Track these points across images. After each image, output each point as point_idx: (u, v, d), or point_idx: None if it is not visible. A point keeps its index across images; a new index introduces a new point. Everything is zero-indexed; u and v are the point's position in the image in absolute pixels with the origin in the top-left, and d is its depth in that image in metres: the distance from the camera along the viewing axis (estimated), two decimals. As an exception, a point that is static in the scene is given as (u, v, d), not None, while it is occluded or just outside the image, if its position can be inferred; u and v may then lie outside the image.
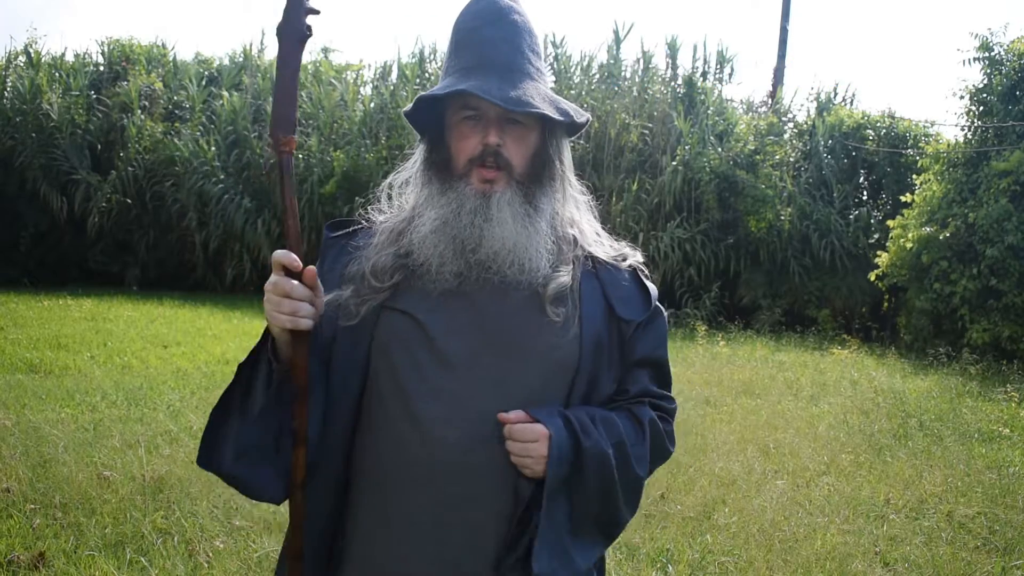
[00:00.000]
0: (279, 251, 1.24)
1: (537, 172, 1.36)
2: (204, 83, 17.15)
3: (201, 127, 15.98)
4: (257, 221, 15.03)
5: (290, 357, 1.25)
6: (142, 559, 3.41)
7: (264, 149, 15.40)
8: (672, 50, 15.64)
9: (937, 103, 39.59)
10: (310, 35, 1.25)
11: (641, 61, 15.84)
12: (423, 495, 1.30)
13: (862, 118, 14.12)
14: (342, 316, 1.34)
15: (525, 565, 1.26)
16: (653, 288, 1.45)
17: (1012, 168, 10.13)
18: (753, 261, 13.66)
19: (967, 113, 11.24)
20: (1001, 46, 10.86)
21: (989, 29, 11.11)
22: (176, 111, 16.72)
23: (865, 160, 13.99)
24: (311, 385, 1.28)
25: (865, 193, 14.51)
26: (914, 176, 12.24)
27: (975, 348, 10.18)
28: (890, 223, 11.85)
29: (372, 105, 15.99)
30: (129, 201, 15.61)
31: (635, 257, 1.47)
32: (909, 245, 10.89)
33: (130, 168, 15.52)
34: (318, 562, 1.35)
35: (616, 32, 15.71)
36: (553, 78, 15.63)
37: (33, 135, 15.50)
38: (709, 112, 14.63)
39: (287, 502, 1.32)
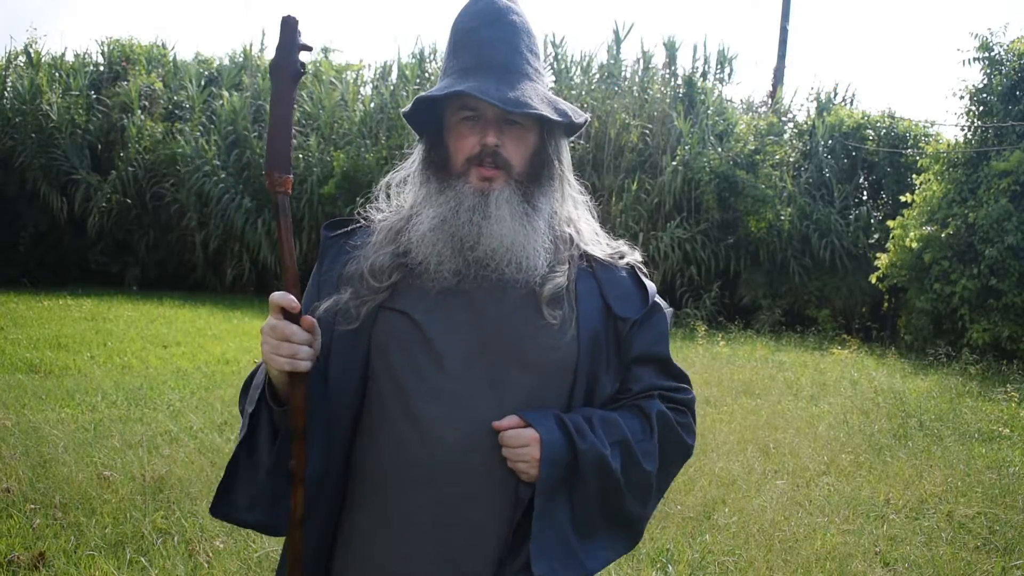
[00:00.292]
0: (277, 294, 1.23)
1: (536, 172, 1.36)
2: (204, 83, 17.15)
3: (201, 127, 15.98)
4: (257, 221, 15.04)
5: (288, 398, 1.26)
6: (142, 559, 3.41)
7: (263, 148, 15.38)
8: (670, 50, 15.63)
9: (937, 103, 39.61)
10: (304, 72, 1.25)
11: (641, 61, 15.84)
12: (423, 495, 1.30)
13: (862, 118, 14.12)
14: (342, 320, 1.34)
15: (528, 569, 1.26)
16: (651, 285, 1.45)
17: (1012, 168, 10.13)
18: (753, 261, 13.66)
19: (967, 113, 11.24)
20: (1001, 46, 10.86)
21: (989, 29, 11.12)
22: (176, 111, 16.72)
23: (865, 160, 13.99)
24: (312, 417, 1.29)
25: (865, 193, 14.50)
26: (914, 176, 12.24)
27: (975, 348, 10.18)
28: (890, 223, 11.85)
29: (372, 105, 15.99)
30: (129, 201, 15.62)
31: (633, 255, 1.47)
32: (912, 244, 10.88)
33: (130, 168, 15.52)
34: (318, 562, 1.36)
35: (616, 32, 15.72)
36: (553, 78, 15.63)
37: (33, 135, 15.50)
38: (709, 112, 14.63)
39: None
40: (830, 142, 14.07)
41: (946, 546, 4.04)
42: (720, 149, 13.88)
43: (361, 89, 17.16)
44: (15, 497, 4.03)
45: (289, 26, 1.22)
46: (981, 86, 11.02)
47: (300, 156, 14.68)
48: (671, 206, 13.83)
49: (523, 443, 1.26)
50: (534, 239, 1.33)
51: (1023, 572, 3.81)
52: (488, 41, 1.33)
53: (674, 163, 13.78)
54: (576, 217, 1.45)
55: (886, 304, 13.12)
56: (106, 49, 17.70)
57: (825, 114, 14.53)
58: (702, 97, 15.00)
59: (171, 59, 17.93)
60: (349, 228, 1.47)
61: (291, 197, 1.26)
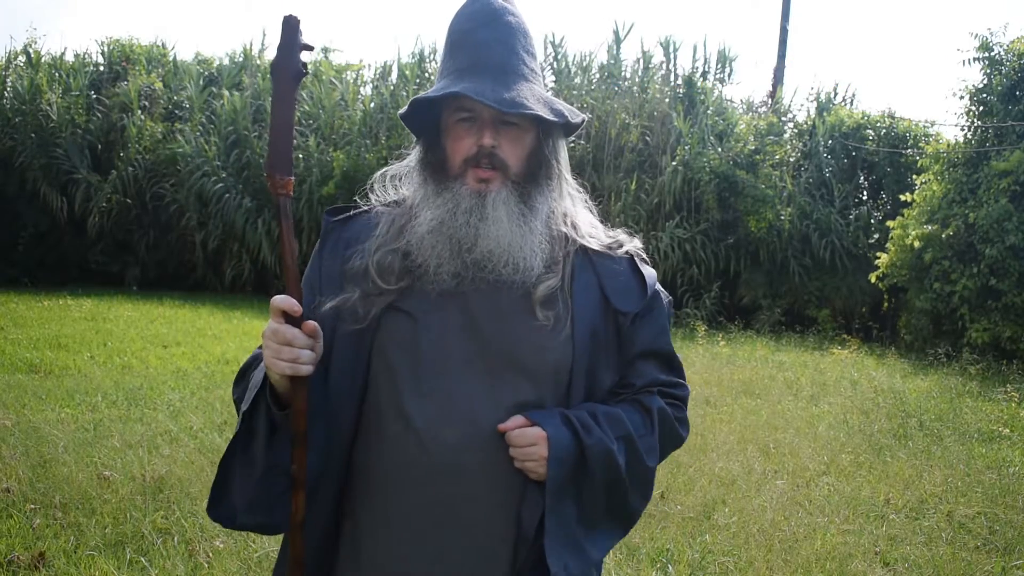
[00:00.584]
0: (278, 297, 1.23)
1: (533, 172, 1.36)
2: (204, 83, 17.15)
3: (201, 127, 15.98)
4: (257, 221, 15.04)
5: (290, 401, 1.25)
6: (142, 559, 3.41)
7: (263, 148, 15.40)
8: (667, 50, 15.63)
9: (937, 103, 39.59)
10: (305, 73, 1.24)
11: (641, 61, 15.84)
12: (421, 496, 1.30)
13: (862, 118, 14.12)
14: (348, 319, 1.34)
15: (537, 566, 1.28)
16: (650, 273, 1.44)
17: (1012, 168, 10.13)
18: (753, 261, 13.66)
19: (967, 113, 11.24)
20: (1001, 46, 10.86)
21: (989, 29, 11.12)
22: (176, 111, 16.72)
23: (865, 160, 13.99)
24: (312, 418, 1.28)
25: (865, 193, 14.50)
26: (914, 176, 12.24)
27: (975, 348, 10.18)
28: (890, 223, 11.85)
29: (372, 105, 15.99)
30: (129, 201, 15.62)
31: (632, 243, 1.46)
32: (913, 243, 10.88)
33: (130, 168, 15.53)
34: (317, 562, 1.36)
35: (616, 32, 15.72)
36: (553, 78, 15.63)
37: (33, 135, 15.50)
38: (709, 112, 14.63)
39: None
40: (830, 142, 14.07)
41: (946, 546, 4.04)
42: (720, 149, 13.88)
43: (361, 89, 17.17)
44: (15, 497, 4.03)
45: (290, 26, 1.22)
46: (981, 86, 11.02)
47: (300, 156, 14.66)
48: (671, 206, 13.83)
49: (530, 442, 1.27)
50: (531, 240, 1.33)
51: (1023, 572, 3.81)
52: (484, 42, 1.33)
53: (674, 163, 13.78)
54: (573, 212, 1.44)
55: (886, 304, 13.12)
56: (106, 49, 17.70)
57: (825, 114, 14.53)
58: (702, 97, 14.99)
59: (171, 59, 17.94)
60: (351, 213, 1.47)
61: (291, 198, 1.25)
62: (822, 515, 4.39)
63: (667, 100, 14.96)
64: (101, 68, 17.51)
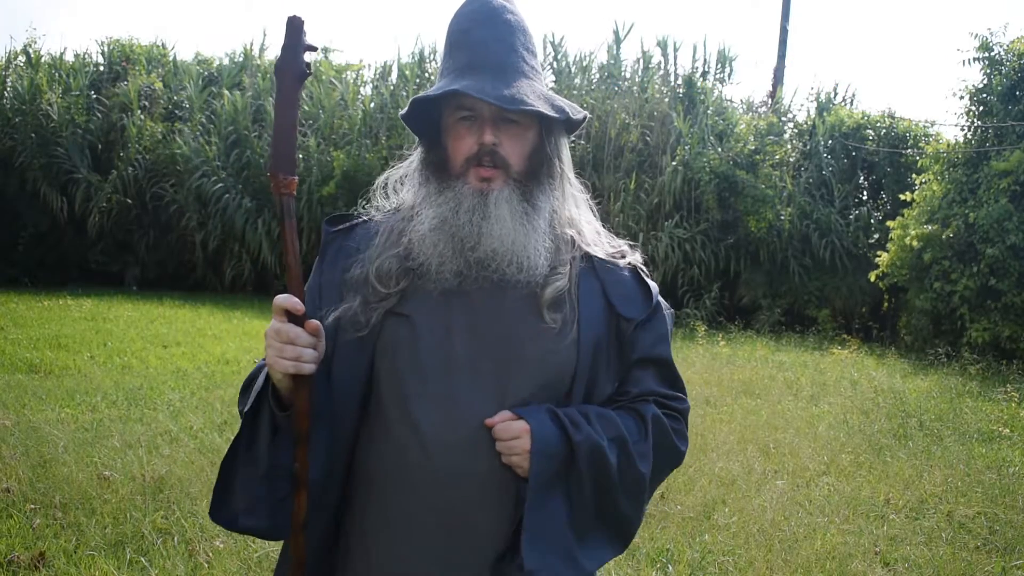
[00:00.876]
0: (281, 296, 1.22)
1: (535, 170, 1.35)
2: (204, 83, 17.15)
3: (201, 127, 15.98)
4: (257, 221, 15.04)
5: (292, 401, 1.25)
6: (142, 559, 3.41)
7: (264, 148, 15.40)
8: (667, 50, 15.63)
9: (937, 103, 39.59)
10: (309, 73, 1.24)
11: (641, 61, 15.84)
12: (424, 499, 1.29)
13: (862, 118, 14.12)
14: (351, 328, 1.33)
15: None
16: (654, 285, 1.45)
17: (1012, 168, 10.13)
18: (753, 261, 13.66)
19: (967, 113, 11.24)
20: (1001, 46, 10.85)
21: (989, 29, 11.11)
22: (176, 111, 16.72)
23: (865, 160, 13.99)
24: (315, 421, 1.28)
25: (865, 193, 14.51)
26: (914, 176, 12.24)
27: (975, 348, 10.18)
28: (890, 223, 11.85)
29: (372, 105, 15.99)
30: (129, 201, 15.62)
31: (634, 256, 1.46)
32: (913, 243, 10.88)
33: (130, 168, 15.52)
34: (319, 564, 1.35)
35: (616, 32, 15.72)
36: (553, 78, 15.63)
37: (33, 135, 15.50)
38: (709, 112, 14.63)
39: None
40: (830, 142, 14.07)
41: (946, 546, 4.04)
42: (720, 149, 13.88)
43: (361, 89, 17.17)
44: (15, 497, 4.03)
45: (294, 27, 1.22)
46: (981, 86, 11.02)
47: (300, 157, 14.66)
48: (671, 206, 13.83)
49: (514, 435, 1.26)
50: (534, 239, 1.33)
51: (1023, 572, 3.81)
52: (483, 41, 1.32)
53: (674, 163, 13.78)
54: (578, 218, 1.44)
55: (886, 304, 13.12)
56: (106, 49, 17.70)
57: (825, 114, 14.53)
58: (702, 97, 15.00)
59: (171, 59, 17.93)
60: (349, 224, 1.46)
61: (294, 198, 1.25)
62: (822, 515, 4.39)
63: (667, 100, 14.96)
64: (101, 68, 17.50)
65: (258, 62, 17.40)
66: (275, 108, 1.24)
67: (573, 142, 1.48)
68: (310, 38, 1.23)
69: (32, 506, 3.93)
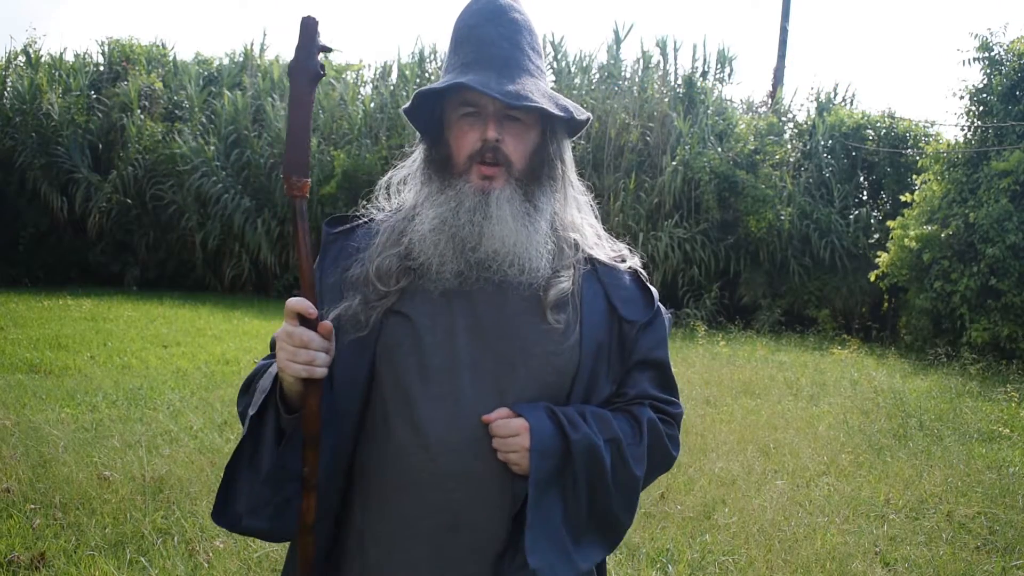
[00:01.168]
0: (293, 299, 1.22)
1: (536, 171, 1.35)
2: (204, 83, 17.15)
3: (201, 127, 15.98)
4: (257, 221, 15.04)
5: (302, 404, 1.24)
6: (142, 559, 3.41)
7: (263, 148, 15.40)
8: (664, 50, 15.62)
9: (937, 103, 39.56)
10: (323, 74, 1.23)
11: (641, 61, 15.84)
12: (425, 499, 1.29)
13: (862, 118, 14.12)
14: (351, 328, 1.33)
15: (526, 567, 1.25)
16: (654, 289, 1.45)
17: (1012, 168, 10.13)
18: (753, 261, 13.66)
19: (967, 113, 11.23)
20: (1001, 46, 10.85)
21: (989, 29, 11.11)
22: (176, 111, 16.72)
23: (865, 160, 13.99)
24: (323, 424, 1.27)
25: (865, 193, 14.51)
26: (914, 176, 12.24)
27: (975, 348, 10.18)
28: (890, 223, 11.85)
29: (372, 105, 15.99)
30: (129, 201, 15.61)
31: (633, 260, 1.47)
32: (912, 244, 10.88)
33: (130, 168, 15.52)
34: (320, 565, 1.35)
35: (616, 32, 15.72)
36: (553, 78, 15.62)
37: (33, 135, 15.50)
38: (709, 112, 14.63)
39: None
40: (830, 142, 14.07)
41: (946, 546, 4.04)
42: (720, 149, 13.88)
43: (361, 89, 17.17)
44: (15, 497, 4.03)
45: (309, 28, 1.21)
46: (981, 86, 11.02)
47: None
48: (671, 206, 13.83)
49: (512, 432, 1.25)
50: (536, 240, 1.32)
51: (1023, 572, 3.80)
52: (489, 38, 1.32)
53: (674, 163, 13.78)
54: (580, 221, 1.44)
55: (886, 304, 13.12)
56: (106, 49, 17.69)
57: (825, 114, 14.53)
58: (702, 97, 15.00)
59: (171, 59, 17.93)
60: (350, 225, 1.46)
61: (307, 200, 1.24)
62: (822, 515, 4.39)
63: (667, 100, 14.96)
64: (101, 68, 17.50)
65: (258, 62, 17.40)
66: (289, 109, 1.23)
67: (573, 143, 1.48)
68: (322, 39, 1.23)
69: (32, 506, 3.93)
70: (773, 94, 16.46)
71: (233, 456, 1.31)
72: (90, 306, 11.98)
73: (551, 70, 15.72)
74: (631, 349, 1.39)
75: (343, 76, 17.06)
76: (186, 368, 7.72)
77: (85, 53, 17.96)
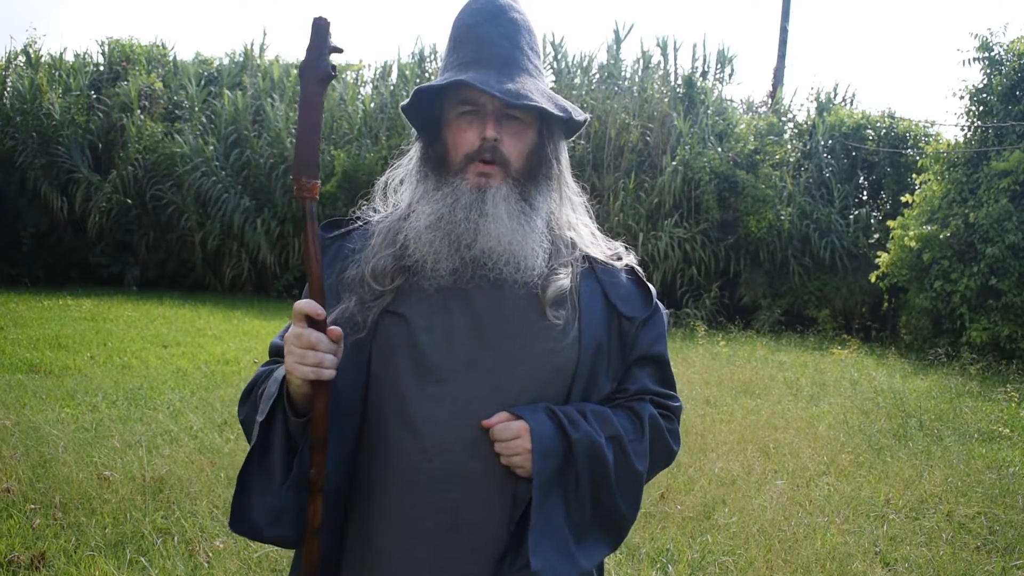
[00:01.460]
0: (302, 301, 1.22)
1: (533, 171, 1.35)
2: (204, 83, 17.15)
3: (201, 127, 15.99)
4: (256, 221, 15.04)
5: (310, 407, 1.24)
6: (142, 559, 3.41)
7: (263, 148, 15.40)
8: (664, 50, 15.63)
9: (937, 103, 39.57)
10: (334, 75, 1.22)
11: (641, 61, 15.84)
12: (425, 500, 1.29)
13: (862, 118, 14.12)
14: (349, 330, 1.32)
15: (527, 567, 1.25)
16: (652, 286, 1.46)
17: (1012, 168, 10.13)
18: (753, 261, 13.66)
19: (967, 113, 11.23)
20: (1001, 46, 10.85)
21: (989, 29, 11.11)
22: (176, 111, 16.72)
23: (865, 160, 13.99)
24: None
25: (865, 193, 14.51)
26: (914, 176, 12.23)
27: (975, 347, 10.18)
28: (890, 223, 11.85)
29: (372, 105, 16.00)
30: (129, 201, 15.61)
31: (629, 258, 1.47)
32: (912, 244, 10.88)
33: (130, 168, 15.51)
34: (321, 567, 1.35)
35: (616, 32, 15.72)
36: (553, 78, 15.62)
37: (33, 135, 15.49)
38: (709, 112, 14.63)
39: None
40: (830, 142, 14.07)
41: (946, 546, 4.04)
42: (720, 149, 13.88)
43: (361, 89, 17.17)
44: (15, 497, 4.03)
45: (320, 28, 1.21)
46: (981, 86, 11.02)
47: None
48: (671, 206, 13.83)
49: (513, 435, 1.25)
50: (532, 238, 1.32)
51: (1023, 572, 3.80)
52: (488, 37, 1.32)
53: (674, 163, 13.78)
54: (575, 221, 1.44)
55: (886, 304, 13.12)
56: (106, 49, 17.69)
57: (825, 114, 14.53)
58: (702, 97, 15.00)
59: (171, 59, 17.93)
60: (346, 229, 1.46)
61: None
62: (822, 515, 4.39)
63: (667, 100, 14.96)
64: (101, 68, 17.49)
65: (258, 62, 17.40)
66: (299, 110, 1.23)
67: (573, 142, 1.49)
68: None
69: (32, 506, 3.93)
70: (773, 94, 16.46)
71: (245, 464, 1.31)
72: (90, 306, 11.98)
73: (551, 70, 15.72)
74: (631, 346, 1.39)
75: (343, 76, 17.06)
76: (186, 368, 7.72)
77: (85, 53, 17.98)
